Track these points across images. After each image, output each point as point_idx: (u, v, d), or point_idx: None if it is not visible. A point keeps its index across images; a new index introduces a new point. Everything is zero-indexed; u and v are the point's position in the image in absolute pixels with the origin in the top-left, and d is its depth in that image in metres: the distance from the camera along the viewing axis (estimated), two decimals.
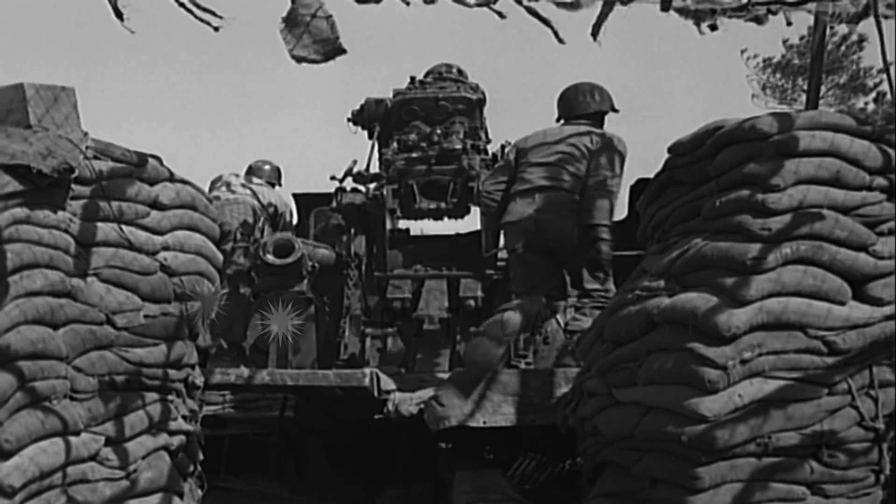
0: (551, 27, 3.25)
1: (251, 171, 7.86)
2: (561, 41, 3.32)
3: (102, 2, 2.90)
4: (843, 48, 17.89)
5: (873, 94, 18.06)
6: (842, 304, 3.62)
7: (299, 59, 2.92)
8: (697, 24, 3.09)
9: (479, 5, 3.10)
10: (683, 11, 3.08)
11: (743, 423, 3.42)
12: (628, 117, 6.71)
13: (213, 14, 2.92)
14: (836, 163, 3.69)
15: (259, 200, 7.49)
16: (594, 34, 3.15)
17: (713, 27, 3.07)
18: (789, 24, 3.21)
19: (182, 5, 2.81)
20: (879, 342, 3.57)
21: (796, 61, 18.14)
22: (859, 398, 3.53)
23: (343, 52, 2.93)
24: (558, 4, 3.12)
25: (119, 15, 2.82)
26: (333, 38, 2.87)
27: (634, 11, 3.12)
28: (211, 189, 7.52)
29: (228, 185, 7.60)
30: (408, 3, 3.04)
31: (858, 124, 3.81)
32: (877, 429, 3.54)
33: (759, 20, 3.07)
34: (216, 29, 2.94)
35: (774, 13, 2.99)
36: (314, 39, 2.88)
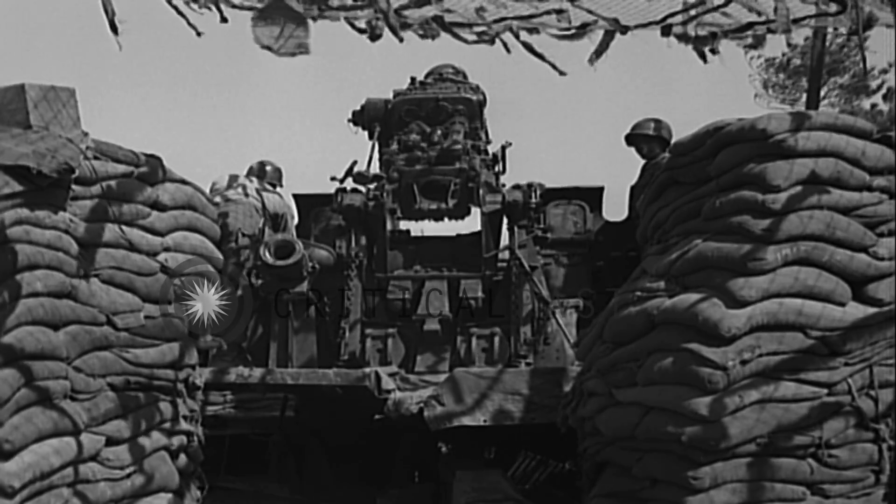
0: (549, 62, 3.28)
1: (252, 172, 7.84)
2: (562, 73, 3.36)
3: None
4: (845, 50, 17.85)
5: (879, 94, 18.01)
6: (842, 304, 3.61)
7: (265, 47, 2.95)
8: (701, 53, 3.11)
9: (477, 42, 3.12)
10: (684, 37, 3.10)
11: (743, 423, 3.42)
12: (629, 116, 6.75)
13: (195, 29, 2.95)
14: (835, 163, 3.69)
15: (266, 209, 7.47)
16: (592, 61, 3.18)
17: (713, 51, 3.08)
18: (789, 44, 3.25)
19: (176, 8, 2.83)
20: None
21: (798, 61, 18.09)
22: (859, 398, 3.53)
23: (306, 52, 2.95)
24: (560, 37, 3.14)
25: (114, 29, 2.83)
26: (304, 36, 2.89)
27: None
28: (212, 190, 7.49)
29: (244, 187, 7.59)
30: (401, 40, 3.07)
31: (863, 125, 3.81)
32: (877, 429, 3.54)
33: (759, 41, 3.08)
34: (199, 34, 2.97)
35: (774, 32, 2.99)
36: (285, 35, 2.89)
